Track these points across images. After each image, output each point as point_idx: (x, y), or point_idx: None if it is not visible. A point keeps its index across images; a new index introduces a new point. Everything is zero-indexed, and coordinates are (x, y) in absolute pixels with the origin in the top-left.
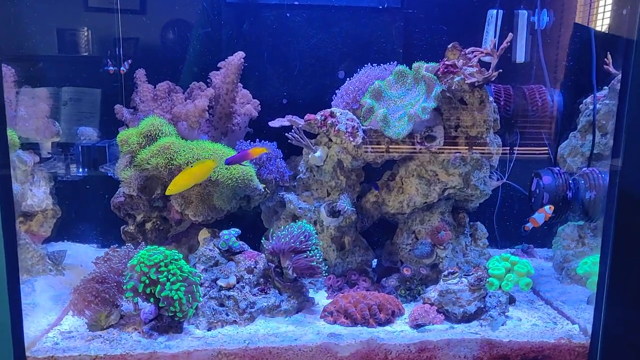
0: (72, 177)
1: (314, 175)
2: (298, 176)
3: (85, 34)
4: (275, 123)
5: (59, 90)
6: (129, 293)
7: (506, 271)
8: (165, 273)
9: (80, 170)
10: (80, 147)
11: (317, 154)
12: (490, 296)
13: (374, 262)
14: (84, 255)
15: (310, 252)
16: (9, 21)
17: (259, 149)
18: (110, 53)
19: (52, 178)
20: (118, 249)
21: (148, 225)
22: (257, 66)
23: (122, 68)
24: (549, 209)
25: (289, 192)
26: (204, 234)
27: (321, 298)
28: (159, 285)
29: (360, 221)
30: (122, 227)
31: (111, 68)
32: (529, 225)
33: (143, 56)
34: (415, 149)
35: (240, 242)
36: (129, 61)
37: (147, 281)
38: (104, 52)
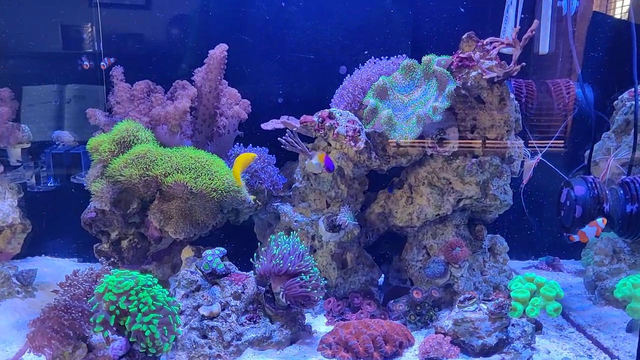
0: (45, 187)
1: (312, 184)
2: (294, 185)
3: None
4: (268, 125)
5: (63, 88)
6: (99, 327)
7: (531, 294)
8: (136, 302)
9: (52, 180)
10: (51, 154)
11: (314, 160)
12: (513, 325)
13: (381, 280)
14: (62, 271)
15: (305, 276)
16: None
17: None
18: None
19: (20, 189)
20: (81, 272)
21: (124, 243)
22: (248, 62)
23: (102, 63)
24: (601, 223)
25: (284, 202)
26: (187, 252)
27: (320, 324)
28: (128, 317)
29: (364, 235)
30: (95, 246)
31: (86, 63)
32: (575, 237)
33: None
34: (425, 154)
35: (227, 263)
36: (112, 59)
37: (118, 312)
38: (81, 47)
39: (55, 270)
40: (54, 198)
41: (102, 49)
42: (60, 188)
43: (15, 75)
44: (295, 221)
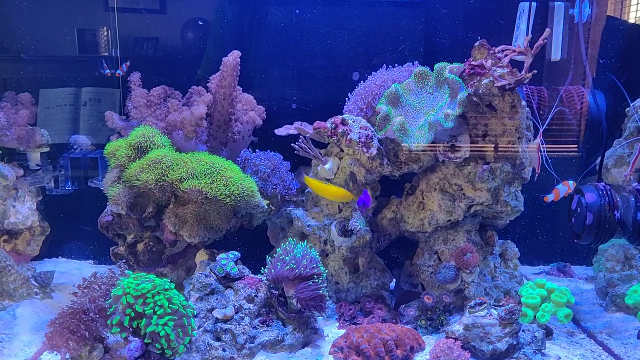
0: (63, 191)
1: None
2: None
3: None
4: (281, 131)
5: (78, 91)
6: (115, 329)
7: (542, 300)
8: (152, 305)
9: (70, 184)
10: (69, 158)
11: (327, 165)
12: (524, 330)
13: (392, 284)
14: (79, 273)
15: (317, 279)
16: None
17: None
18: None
19: (39, 192)
20: (100, 275)
21: (140, 247)
22: (263, 68)
23: (118, 71)
24: (572, 185)
25: (296, 207)
26: (201, 255)
27: (332, 328)
28: (144, 319)
29: (375, 240)
30: (111, 249)
31: (108, 71)
32: (550, 197)
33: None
34: (437, 160)
35: (240, 267)
36: (127, 63)
37: (133, 314)
38: (97, 51)
39: (71, 272)
40: (72, 201)
41: (118, 54)
42: (77, 191)
43: (32, 78)
44: (308, 226)
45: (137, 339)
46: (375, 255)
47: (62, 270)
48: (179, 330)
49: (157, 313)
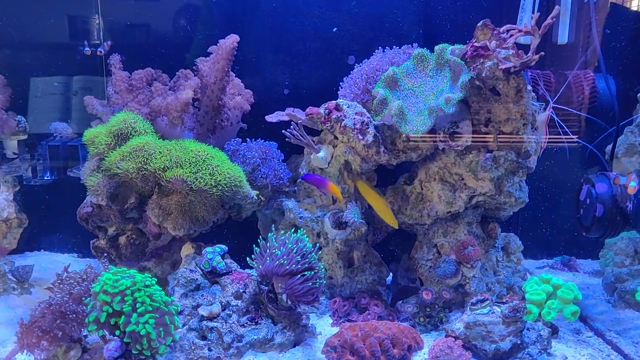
0: (42, 181)
1: None
2: (299, 179)
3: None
4: (272, 117)
5: (70, 79)
6: (92, 326)
7: (547, 296)
8: (131, 302)
9: (48, 173)
10: (47, 146)
11: (321, 154)
12: (528, 329)
13: (389, 279)
14: (61, 267)
15: (308, 273)
16: None
17: (335, 189)
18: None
19: (16, 182)
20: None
21: (122, 240)
22: (254, 51)
23: (99, 49)
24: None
25: (288, 198)
26: (187, 249)
27: (325, 325)
28: (122, 317)
29: (371, 233)
30: (91, 242)
31: (87, 49)
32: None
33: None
34: (437, 148)
35: (228, 261)
36: (109, 42)
37: (111, 310)
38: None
39: (54, 266)
40: (53, 192)
41: (101, 38)
42: (59, 181)
43: (19, 66)
44: (300, 217)
45: (116, 338)
46: (371, 249)
47: (43, 264)
48: (161, 329)
49: (138, 311)
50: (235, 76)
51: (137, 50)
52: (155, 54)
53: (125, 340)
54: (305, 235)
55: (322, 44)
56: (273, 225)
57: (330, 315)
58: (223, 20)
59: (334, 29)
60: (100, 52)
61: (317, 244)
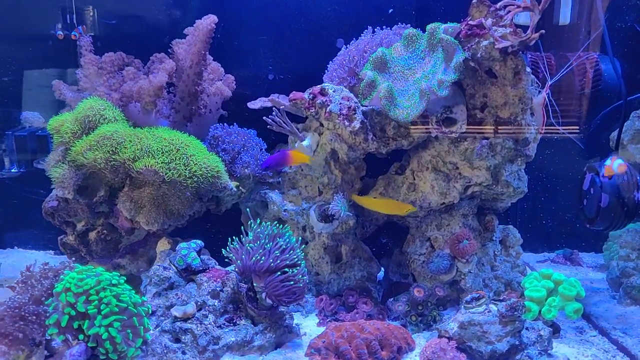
0: (8, 174)
1: (302, 169)
2: (283, 170)
3: None
4: (255, 104)
5: (64, 72)
6: (53, 329)
7: (548, 293)
8: (97, 302)
9: (15, 166)
10: (13, 136)
11: (305, 142)
12: (527, 328)
13: (381, 274)
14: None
15: (290, 270)
16: None
17: (298, 154)
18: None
19: None
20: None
21: (92, 235)
22: (235, 34)
23: (73, 32)
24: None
25: (272, 190)
26: (162, 245)
27: (311, 325)
28: (86, 320)
29: (360, 226)
30: (59, 238)
31: (60, 32)
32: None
33: None
34: (429, 134)
35: (205, 258)
36: (84, 26)
37: (73, 312)
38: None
39: (27, 263)
40: (24, 185)
41: (74, 21)
42: (30, 174)
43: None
44: (285, 210)
45: (81, 342)
46: (360, 243)
47: (15, 262)
48: (129, 331)
49: (102, 312)
50: (214, 60)
51: (114, 36)
52: (132, 39)
53: (90, 344)
54: (289, 229)
55: (309, 26)
56: (258, 219)
57: (316, 315)
58: (202, 0)
59: (390, 10)
60: (75, 36)
61: (301, 238)
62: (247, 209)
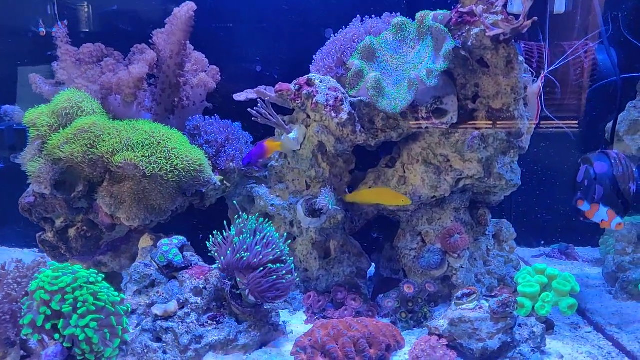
0: None
1: (289, 163)
2: (270, 164)
3: None
4: (240, 96)
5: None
6: (27, 329)
7: (541, 288)
8: (72, 301)
9: None
10: None
11: (292, 135)
12: (520, 325)
13: (372, 270)
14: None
15: (274, 265)
16: None
17: (272, 143)
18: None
19: None
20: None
21: (71, 232)
22: (222, 24)
23: (53, 29)
24: (614, 225)
25: (259, 184)
26: (145, 241)
27: (298, 322)
28: (61, 320)
29: (349, 221)
30: (38, 235)
31: (42, 29)
32: (585, 206)
33: None
34: (419, 126)
35: (188, 254)
36: (65, 22)
37: (49, 312)
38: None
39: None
40: (3, 181)
41: (56, 12)
42: (9, 170)
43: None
44: (272, 205)
45: (56, 342)
46: (349, 238)
47: None
48: (106, 331)
49: (78, 312)
50: (201, 51)
51: (96, 30)
52: (115, 32)
53: (65, 344)
54: (271, 223)
55: (298, 17)
56: (244, 214)
57: (304, 312)
58: None
59: None
60: (55, 32)
61: (286, 234)
62: (235, 202)
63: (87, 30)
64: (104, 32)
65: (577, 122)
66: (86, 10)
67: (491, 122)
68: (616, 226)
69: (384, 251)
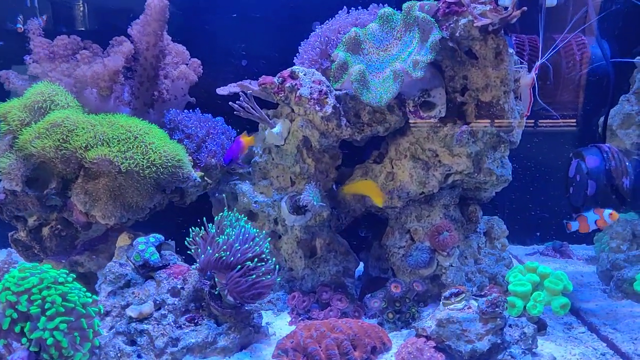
0: None
1: (273, 159)
2: (253, 159)
3: None
4: (224, 90)
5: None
6: None
7: (533, 287)
8: (40, 302)
9: None
10: None
11: (276, 129)
12: (510, 325)
13: (361, 270)
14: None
15: (252, 263)
16: None
17: (247, 138)
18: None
19: None
20: None
21: (45, 231)
22: (206, 17)
23: (20, 25)
24: (609, 218)
25: (243, 180)
26: (123, 240)
27: (282, 324)
28: (28, 322)
29: (335, 218)
30: (10, 234)
31: (20, 26)
32: (573, 225)
33: None
34: (407, 120)
35: (166, 253)
36: (44, 17)
37: (15, 315)
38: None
39: None
40: None
41: (36, 4)
42: None
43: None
44: (255, 202)
45: (23, 346)
46: (336, 236)
47: None
48: (76, 334)
49: (47, 313)
50: (181, 44)
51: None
52: (102, 26)
53: (32, 349)
54: (245, 219)
55: (284, 10)
56: (225, 210)
57: (288, 313)
58: None
59: None
60: (21, 28)
61: (266, 232)
62: (224, 195)
63: (73, 26)
64: (91, 27)
65: (569, 116)
66: (81, 8)
67: (481, 116)
68: (610, 217)
69: (373, 250)
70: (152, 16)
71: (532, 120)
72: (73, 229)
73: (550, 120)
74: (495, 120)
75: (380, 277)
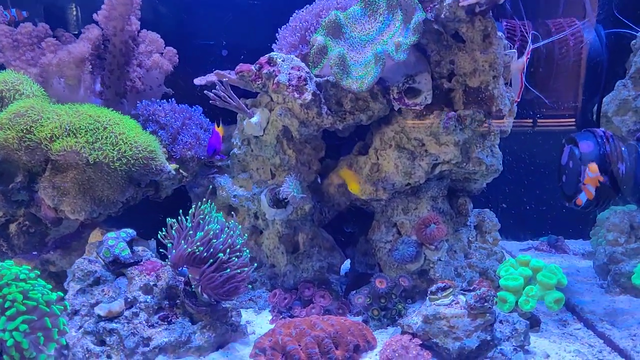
0: None
1: (252, 150)
2: (232, 151)
3: None
4: (201, 80)
5: None
6: None
7: (525, 281)
8: (0, 301)
9: None
10: None
11: (254, 119)
12: (501, 321)
13: (347, 266)
14: None
15: (224, 255)
16: None
17: (219, 128)
18: None
19: None
20: None
21: (12, 227)
22: (183, 3)
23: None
24: (589, 171)
25: (221, 174)
26: (95, 236)
27: (263, 322)
28: None
29: (318, 212)
30: None
31: (5, 13)
32: (582, 197)
33: None
34: (392, 108)
35: (138, 249)
36: (22, 12)
37: None
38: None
39: None
40: None
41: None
42: None
43: None
44: (234, 196)
45: None
46: (320, 231)
47: None
48: (40, 334)
49: (6, 313)
50: (162, 36)
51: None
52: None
53: None
54: (215, 208)
55: None
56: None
57: (269, 311)
58: None
59: None
60: (14, 17)
61: (255, 227)
62: (210, 186)
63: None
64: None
65: (563, 104)
66: (74, 12)
67: (468, 102)
68: (589, 169)
69: (359, 245)
70: (118, 0)
71: (531, 120)
72: (42, 226)
73: (545, 110)
74: (484, 107)
75: (367, 273)
